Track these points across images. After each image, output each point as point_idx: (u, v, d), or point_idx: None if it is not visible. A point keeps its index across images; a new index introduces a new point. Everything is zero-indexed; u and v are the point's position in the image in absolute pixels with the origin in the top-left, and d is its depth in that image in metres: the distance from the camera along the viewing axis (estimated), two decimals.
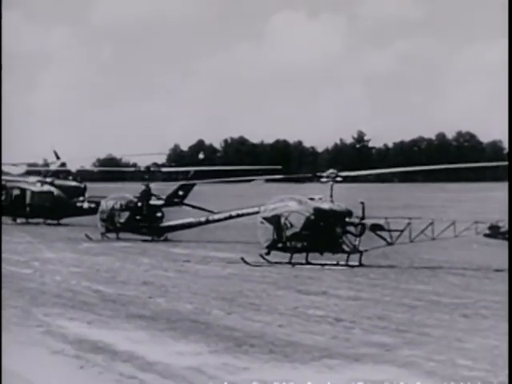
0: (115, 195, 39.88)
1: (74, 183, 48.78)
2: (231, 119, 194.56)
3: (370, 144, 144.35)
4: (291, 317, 18.57)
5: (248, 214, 38.05)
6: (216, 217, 38.16)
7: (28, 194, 48.64)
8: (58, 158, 52.23)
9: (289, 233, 29.32)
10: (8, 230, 43.62)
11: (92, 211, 47.83)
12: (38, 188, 48.57)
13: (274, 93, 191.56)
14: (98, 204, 47.44)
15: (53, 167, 62.32)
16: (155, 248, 34.95)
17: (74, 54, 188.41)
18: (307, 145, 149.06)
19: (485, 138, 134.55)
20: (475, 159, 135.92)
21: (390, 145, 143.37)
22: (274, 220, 29.39)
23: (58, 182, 48.78)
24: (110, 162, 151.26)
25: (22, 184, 49.08)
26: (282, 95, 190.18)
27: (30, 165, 51.65)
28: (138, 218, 38.56)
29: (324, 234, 29.12)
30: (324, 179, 30.49)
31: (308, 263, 29.05)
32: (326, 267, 28.48)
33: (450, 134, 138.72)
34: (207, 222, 38.23)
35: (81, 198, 48.12)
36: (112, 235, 38.92)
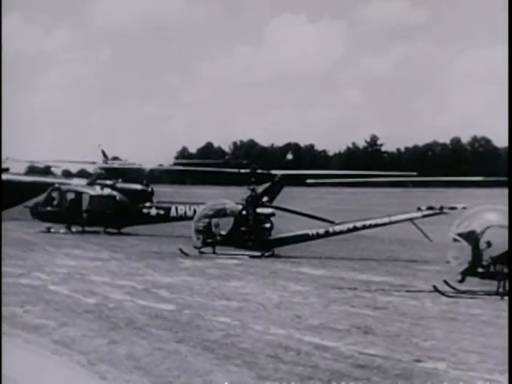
0: (213, 202, 32.02)
1: (139, 186, 40.82)
2: (238, 122, 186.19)
3: (383, 148, 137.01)
4: None
5: (376, 226, 30.54)
6: (337, 228, 30.50)
7: (85, 198, 40.68)
8: (106, 157, 44.36)
9: (491, 254, 21.66)
10: (74, 241, 35.64)
11: (160, 219, 40.03)
12: (97, 192, 40.60)
13: (277, 96, 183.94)
14: (167, 210, 39.78)
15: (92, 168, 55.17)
16: (278, 267, 27.15)
17: (75, 55, 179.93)
18: (319, 148, 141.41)
19: (500, 143, 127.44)
20: (490, 164, 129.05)
21: (404, 149, 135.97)
22: (472, 237, 21.70)
23: (120, 184, 40.82)
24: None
25: (78, 187, 41.12)
26: (286, 99, 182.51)
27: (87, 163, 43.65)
28: (243, 229, 30.71)
29: None
30: None
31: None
32: None
33: (465, 139, 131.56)
34: (327, 234, 30.56)
35: (147, 204, 40.19)
36: (206, 249, 31.03)
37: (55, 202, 40.94)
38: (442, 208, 29.67)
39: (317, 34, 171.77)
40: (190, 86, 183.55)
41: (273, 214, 31.07)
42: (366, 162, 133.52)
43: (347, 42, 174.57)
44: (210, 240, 30.73)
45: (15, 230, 42.18)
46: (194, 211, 39.40)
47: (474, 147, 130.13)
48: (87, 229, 40.85)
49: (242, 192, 36.73)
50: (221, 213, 31.06)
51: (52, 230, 40.36)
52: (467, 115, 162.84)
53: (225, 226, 31.03)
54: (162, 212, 39.67)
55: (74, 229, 40.79)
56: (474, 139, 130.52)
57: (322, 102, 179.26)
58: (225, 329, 15.98)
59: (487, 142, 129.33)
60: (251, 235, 30.63)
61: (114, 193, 40.39)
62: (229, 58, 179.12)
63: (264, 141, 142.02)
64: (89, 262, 27.75)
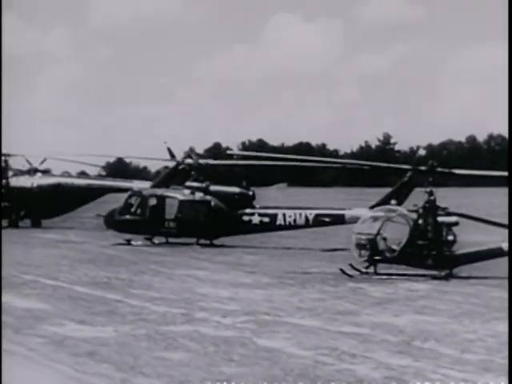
0: (379, 208, 24.45)
1: (237, 189, 32.92)
2: (243, 122, 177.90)
3: (397, 147, 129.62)
4: None
5: None
6: None
7: (172, 204, 32.81)
8: (172, 156, 36.70)
9: None
10: (176, 257, 27.82)
11: (264, 228, 32.23)
12: (186, 196, 32.73)
13: (279, 95, 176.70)
14: (273, 217, 32.10)
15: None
16: (497, 295, 19.58)
17: (74, 55, 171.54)
18: (330, 147, 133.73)
19: None
20: (506, 163, 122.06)
21: (416, 148, 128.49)
22: None
23: (214, 187, 32.90)
24: (120, 165, 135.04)
25: (162, 191, 33.21)
26: (288, 97, 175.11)
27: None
28: (420, 242, 23.06)
29: None
30: None
31: None
32: None
33: (481, 137, 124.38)
34: None
35: (248, 210, 32.35)
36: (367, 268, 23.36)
37: (134, 210, 33.05)
38: None
39: (314, 33, 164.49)
40: (189, 85, 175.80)
41: (456, 224, 23.44)
42: (381, 162, 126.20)
43: (345, 40, 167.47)
44: (378, 257, 23.08)
45: (85, 242, 34.35)
46: (306, 218, 31.87)
47: (489, 145, 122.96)
48: (171, 240, 33.02)
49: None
50: (390, 223, 23.44)
51: (133, 242, 32.56)
52: (468, 113, 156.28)
53: (395, 239, 23.42)
54: (266, 219, 31.83)
55: (156, 240, 33.00)
56: (490, 137, 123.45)
57: (326, 101, 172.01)
58: None
59: (503, 139, 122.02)
60: (431, 250, 23.01)
61: (208, 197, 32.52)
62: (227, 57, 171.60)
63: (273, 140, 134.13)
64: (244, 291, 20.03)
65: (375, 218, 23.54)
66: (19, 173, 43.05)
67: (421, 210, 23.38)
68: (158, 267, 25.23)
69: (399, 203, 30.86)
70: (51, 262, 26.35)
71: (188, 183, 32.96)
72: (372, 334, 14.58)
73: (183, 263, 26.45)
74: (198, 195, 32.63)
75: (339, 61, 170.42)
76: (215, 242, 32.83)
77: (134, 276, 23.01)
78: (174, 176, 35.45)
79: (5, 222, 42.47)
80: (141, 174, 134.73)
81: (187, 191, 32.78)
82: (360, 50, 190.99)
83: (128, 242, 32.46)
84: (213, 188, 32.79)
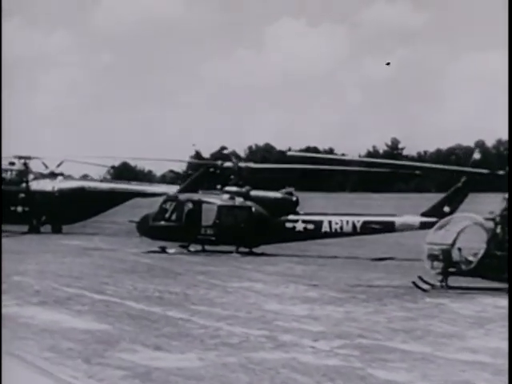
0: (453, 216, 22.48)
1: (279, 194, 30.89)
2: (248, 126, 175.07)
3: (405, 152, 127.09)
4: None
5: None
6: None
7: (209, 209, 30.84)
8: (201, 159, 34.70)
9: None
10: (220, 267, 25.73)
11: (309, 235, 30.26)
12: (225, 201, 30.69)
13: (283, 100, 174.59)
14: (318, 224, 30.14)
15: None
16: None
17: (76, 58, 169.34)
18: (338, 152, 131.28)
19: None
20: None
21: (423, 153, 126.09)
22: None
23: (254, 192, 30.85)
24: (125, 168, 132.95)
25: (200, 196, 31.15)
26: (293, 102, 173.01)
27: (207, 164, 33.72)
28: (499, 253, 21.06)
29: None
30: None
31: None
32: None
33: (490, 142, 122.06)
34: None
35: (291, 217, 30.34)
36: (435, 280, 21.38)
37: (169, 215, 31.02)
38: None
39: (318, 38, 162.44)
40: (192, 89, 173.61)
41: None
42: (389, 166, 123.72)
43: (350, 45, 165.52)
44: (452, 269, 21.09)
45: (115, 249, 32.33)
46: (353, 225, 29.91)
47: (498, 150, 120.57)
48: (207, 248, 31.02)
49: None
50: (464, 232, 21.43)
51: (168, 250, 30.56)
52: (477, 118, 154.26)
53: (471, 249, 21.44)
54: (310, 226, 29.83)
55: (192, 248, 31.00)
56: (499, 142, 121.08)
57: (332, 106, 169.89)
58: None
59: None
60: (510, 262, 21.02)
61: (249, 203, 30.48)
62: (231, 61, 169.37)
63: (280, 145, 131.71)
64: (318, 308, 18.04)
65: (449, 227, 21.54)
66: (40, 176, 41.09)
67: (498, 218, 21.39)
68: (207, 279, 23.23)
69: (452, 210, 29.10)
70: (89, 273, 24.36)
71: (227, 188, 30.94)
72: (499, 364, 12.60)
73: (232, 274, 24.42)
74: (238, 200, 30.62)
75: (345, 65, 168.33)
76: (255, 250, 30.95)
77: (187, 289, 21.00)
78: (204, 180, 33.46)
79: (24, 228, 40.65)
80: (146, 177, 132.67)
81: (226, 196, 30.78)
82: (366, 55, 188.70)
83: (163, 250, 30.46)
84: (253, 193, 30.77)
